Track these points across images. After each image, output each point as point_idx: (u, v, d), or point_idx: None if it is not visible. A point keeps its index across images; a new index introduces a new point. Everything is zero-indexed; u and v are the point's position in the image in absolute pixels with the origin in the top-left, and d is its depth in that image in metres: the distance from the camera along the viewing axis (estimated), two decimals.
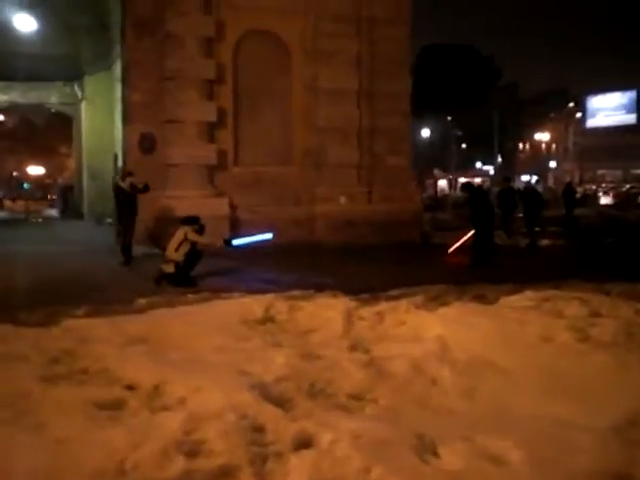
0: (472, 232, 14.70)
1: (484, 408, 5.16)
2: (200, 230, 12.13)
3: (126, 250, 14.35)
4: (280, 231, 17.85)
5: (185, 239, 11.85)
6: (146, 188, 14.43)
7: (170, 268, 11.70)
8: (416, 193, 21.43)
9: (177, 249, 11.80)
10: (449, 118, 60.39)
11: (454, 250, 15.42)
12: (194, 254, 11.90)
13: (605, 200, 48.65)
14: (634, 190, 49.65)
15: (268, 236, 13.29)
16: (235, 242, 12.76)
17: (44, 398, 5.07)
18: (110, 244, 18.48)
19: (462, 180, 75.32)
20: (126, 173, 15.02)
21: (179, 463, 3.93)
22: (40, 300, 9.64)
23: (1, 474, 3.94)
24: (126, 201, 14.39)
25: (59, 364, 6.04)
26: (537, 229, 18.93)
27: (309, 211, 18.86)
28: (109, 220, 25.47)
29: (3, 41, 26.77)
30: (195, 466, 3.93)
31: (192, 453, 4.06)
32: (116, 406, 4.97)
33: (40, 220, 32.26)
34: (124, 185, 14.34)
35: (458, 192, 61.90)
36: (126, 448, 4.07)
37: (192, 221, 12.21)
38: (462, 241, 15.31)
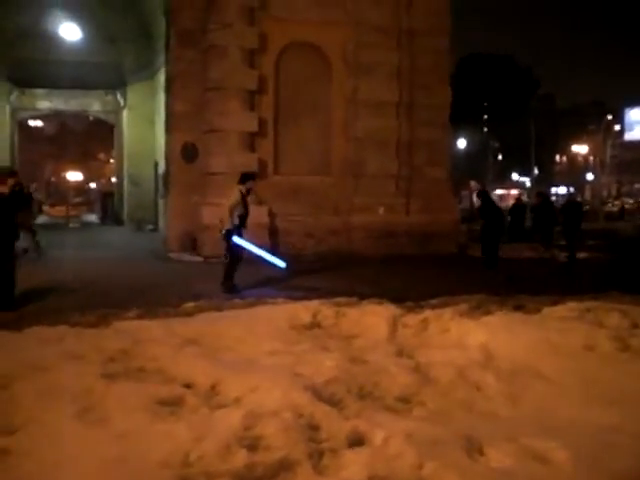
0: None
1: (528, 413, 5.32)
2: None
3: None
4: (318, 240, 18.27)
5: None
6: None
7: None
8: (454, 204, 21.57)
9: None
10: (486, 129, 60.33)
11: None
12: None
13: None
14: None
15: (280, 264, 12.76)
16: (235, 239, 12.04)
17: (106, 394, 5.32)
18: (152, 249, 18.97)
19: (498, 192, 75.23)
20: None
21: (241, 456, 4.16)
22: (90, 303, 10.04)
23: (71, 464, 4.19)
24: None
25: (116, 363, 6.32)
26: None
27: (347, 221, 19.12)
28: (150, 227, 26.16)
29: (47, 49, 27.50)
30: (257, 459, 4.15)
31: (253, 447, 4.29)
32: (176, 403, 5.20)
33: (78, 225, 32.80)
34: None
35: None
36: (190, 441, 4.31)
37: (246, 178, 12.49)
38: None
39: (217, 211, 16.98)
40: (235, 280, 12.02)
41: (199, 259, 17.10)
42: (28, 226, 16.45)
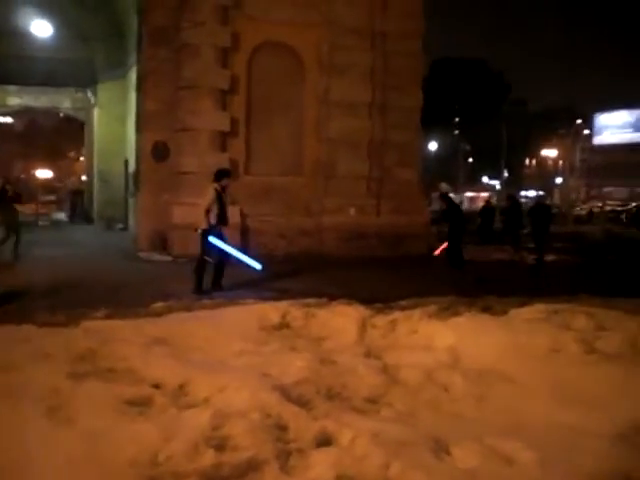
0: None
1: (494, 414, 5.39)
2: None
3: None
4: (289, 241, 18.29)
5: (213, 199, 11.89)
6: None
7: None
8: (424, 206, 21.70)
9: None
10: (457, 132, 60.70)
11: (439, 253, 17.30)
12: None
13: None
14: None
15: (256, 266, 12.59)
16: (211, 239, 11.82)
17: (73, 394, 5.31)
18: (121, 248, 18.83)
19: (468, 194, 75.74)
20: None
21: (209, 456, 4.18)
22: (58, 303, 9.98)
23: (37, 464, 4.17)
24: None
25: (84, 363, 6.30)
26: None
27: (318, 222, 19.15)
28: (120, 225, 25.95)
29: (19, 46, 27.24)
30: (224, 459, 4.18)
31: (221, 447, 4.33)
32: (144, 403, 5.21)
33: (47, 224, 32.42)
34: None
35: (464, 206, 62.15)
36: (158, 441, 4.33)
37: (221, 175, 12.34)
38: (442, 247, 17.26)
39: (187, 210, 16.95)
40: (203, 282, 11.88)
41: (169, 258, 17.03)
42: (14, 226, 16.38)
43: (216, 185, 12.04)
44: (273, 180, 18.92)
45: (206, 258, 11.90)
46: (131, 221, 23.63)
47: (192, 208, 16.61)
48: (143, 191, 18.85)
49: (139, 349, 6.72)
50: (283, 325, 8.27)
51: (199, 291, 11.60)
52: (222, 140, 18.61)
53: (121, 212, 27.27)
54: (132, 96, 22.30)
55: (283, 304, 8.99)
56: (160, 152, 18.51)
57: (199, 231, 11.89)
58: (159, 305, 9.73)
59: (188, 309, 9.39)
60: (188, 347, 7.02)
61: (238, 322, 7.99)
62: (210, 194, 11.89)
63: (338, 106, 19.47)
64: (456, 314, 8.64)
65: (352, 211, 19.54)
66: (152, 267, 15.74)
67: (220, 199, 11.98)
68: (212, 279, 11.94)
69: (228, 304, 9.60)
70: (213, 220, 11.82)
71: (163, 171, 18.36)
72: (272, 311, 8.55)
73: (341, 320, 8.23)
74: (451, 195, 19.59)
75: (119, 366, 6.24)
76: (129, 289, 11.96)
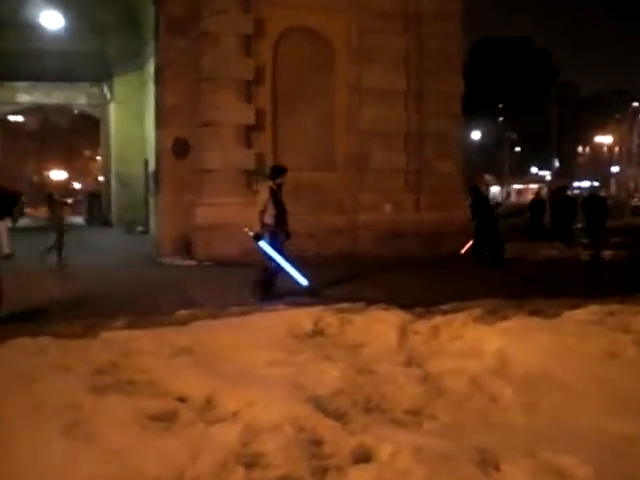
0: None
1: (546, 424, 5.36)
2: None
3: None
4: (320, 241, 18.29)
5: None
6: None
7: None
8: (463, 201, 21.58)
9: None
10: (501, 119, 60.17)
11: (465, 251, 17.91)
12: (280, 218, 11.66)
13: None
14: None
15: (303, 281, 11.89)
16: (262, 244, 11.48)
17: (95, 409, 5.34)
18: (142, 253, 18.93)
19: (516, 187, 75.03)
20: None
21: (239, 474, 4.22)
22: (76, 312, 10.14)
23: None
24: None
25: (105, 375, 6.34)
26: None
27: (352, 220, 19.21)
28: (140, 228, 26.20)
29: (28, 39, 27.52)
30: (255, 477, 4.21)
31: (251, 465, 4.35)
32: (169, 417, 5.24)
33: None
34: None
35: (511, 200, 61.34)
36: (185, 459, 4.37)
37: (277, 172, 12.07)
38: (469, 245, 17.88)
39: (211, 211, 17.09)
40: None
41: (193, 263, 17.16)
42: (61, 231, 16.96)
43: (271, 183, 11.79)
44: (302, 175, 18.78)
45: (268, 264, 11.65)
46: (152, 224, 23.83)
47: (216, 208, 16.73)
48: (164, 191, 19.01)
49: (162, 360, 6.74)
50: (316, 332, 8.25)
51: (263, 297, 11.37)
52: (247, 134, 18.71)
53: (141, 214, 27.59)
54: (150, 90, 22.54)
55: (316, 310, 8.95)
56: (181, 149, 18.66)
57: (251, 234, 11.59)
58: (182, 313, 9.75)
59: (214, 316, 9.39)
60: (215, 357, 7.02)
61: (268, 330, 7.97)
62: (264, 193, 11.66)
63: (370, 94, 19.51)
64: (503, 318, 8.61)
65: (388, 207, 19.57)
66: (175, 272, 15.88)
67: (276, 199, 11.67)
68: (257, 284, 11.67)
69: (256, 310, 9.62)
70: (269, 221, 11.54)
71: (185, 169, 18.51)
72: (304, 317, 8.53)
73: (379, 326, 8.20)
74: (489, 186, 19.75)
75: (141, 378, 6.25)
76: (151, 296, 12.04)
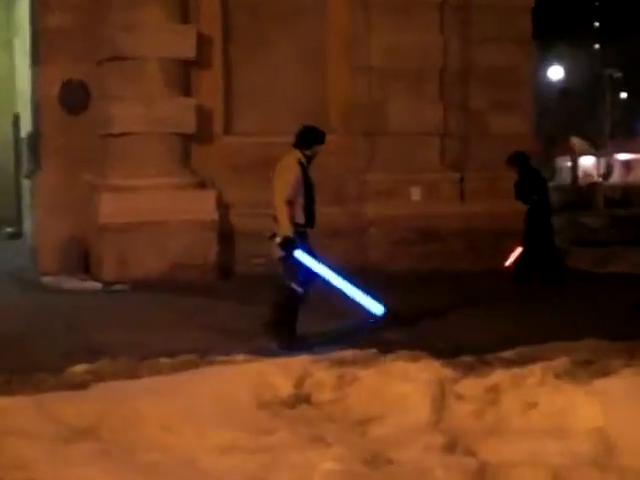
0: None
1: None
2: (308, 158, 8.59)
3: None
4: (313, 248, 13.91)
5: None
6: None
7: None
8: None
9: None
10: (597, 46, 46.00)
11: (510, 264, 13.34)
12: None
13: None
14: None
15: (377, 310, 8.96)
16: (298, 254, 8.51)
17: None
18: (12, 270, 14.58)
19: (621, 157, 56.52)
20: None
21: None
22: None
23: None
24: None
25: None
26: None
27: (357, 214, 14.65)
28: (9, 229, 20.51)
29: None
30: None
31: None
32: None
33: None
34: None
35: (614, 178, 47.30)
36: None
37: (312, 137, 8.71)
38: (516, 255, 13.19)
39: (125, 199, 13.10)
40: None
41: (95, 286, 13.02)
42: None
43: (300, 155, 8.49)
44: (273, 143, 12.91)
45: (294, 287, 8.62)
46: (27, 222, 18.40)
47: (134, 196, 13.03)
48: (47, 167, 14.35)
49: (48, 448, 5.38)
50: (300, 399, 6.53)
51: (290, 343, 8.43)
52: (183, 75, 13.93)
53: (10, 206, 21.67)
54: (23, 8, 17.55)
55: (298, 361, 7.06)
56: (75, 98, 14.08)
57: (277, 240, 8.42)
58: (80, 368, 7.57)
59: (133, 374, 7.31)
60: (135, 443, 5.60)
61: (222, 396, 6.34)
62: (295, 170, 8.40)
63: (385, 9, 14.58)
64: (604, 372, 6.83)
65: (416, 193, 14.90)
66: (66, 301, 12.05)
67: (307, 181, 8.56)
68: (274, 319, 8.71)
69: (201, 364, 7.57)
70: (300, 219, 8.47)
71: (81, 132, 13.86)
72: (279, 375, 6.76)
73: (402, 387, 6.42)
74: (578, 156, 15.11)
75: (15, 478, 4.99)
76: (28, 341, 9.08)
